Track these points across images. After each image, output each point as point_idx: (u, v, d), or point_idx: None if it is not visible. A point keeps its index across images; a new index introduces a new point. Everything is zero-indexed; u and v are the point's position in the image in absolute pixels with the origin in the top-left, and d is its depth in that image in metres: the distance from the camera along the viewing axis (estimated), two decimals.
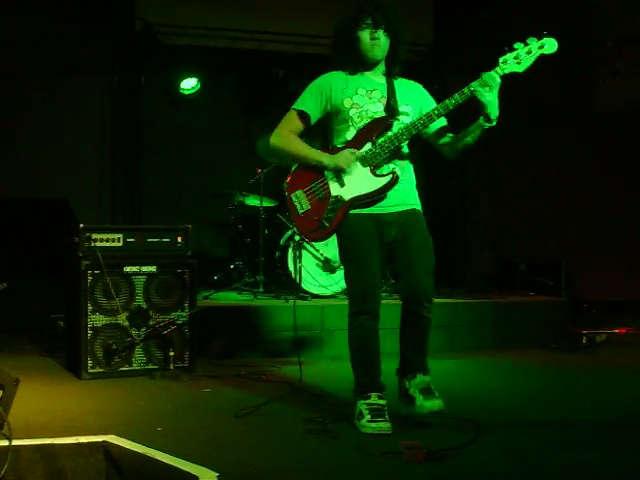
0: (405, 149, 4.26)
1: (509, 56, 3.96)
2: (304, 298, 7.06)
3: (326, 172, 4.20)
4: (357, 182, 4.14)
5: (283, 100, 9.49)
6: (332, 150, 4.24)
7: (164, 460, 3.35)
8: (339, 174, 4.16)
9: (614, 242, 10.40)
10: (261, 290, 7.40)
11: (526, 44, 3.95)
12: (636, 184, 10.51)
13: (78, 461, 3.54)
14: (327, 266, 7.22)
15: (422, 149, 4.55)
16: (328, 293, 7.15)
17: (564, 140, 10.16)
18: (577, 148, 10.36)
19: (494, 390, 5.29)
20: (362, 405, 4.10)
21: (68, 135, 8.97)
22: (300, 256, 7.16)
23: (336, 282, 7.16)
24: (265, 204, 7.78)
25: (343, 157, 4.14)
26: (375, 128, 4.16)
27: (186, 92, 9.32)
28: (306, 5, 9.26)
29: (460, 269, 10.04)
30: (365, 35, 4.18)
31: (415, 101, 4.30)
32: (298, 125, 4.31)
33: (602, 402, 4.87)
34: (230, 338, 6.39)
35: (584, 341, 7.10)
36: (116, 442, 3.59)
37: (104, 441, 3.60)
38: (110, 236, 5.63)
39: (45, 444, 3.55)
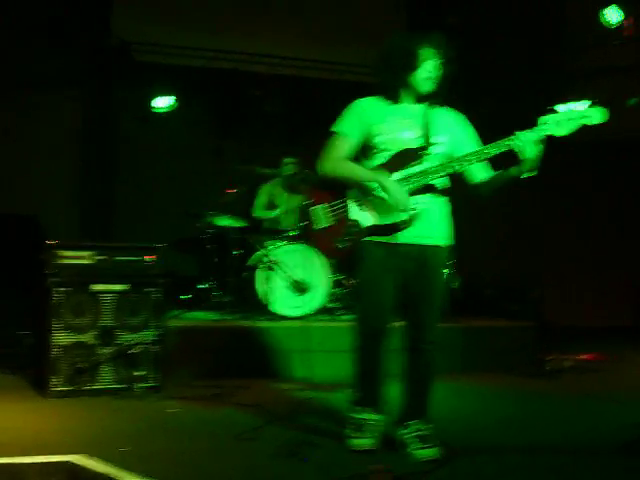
0: (438, 183, 4.13)
1: (550, 118, 3.87)
2: (273, 319, 7.06)
3: (349, 194, 4.12)
4: (378, 211, 4.08)
5: (257, 121, 9.63)
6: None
7: None
8: (361, 199, 4.10)
9: (581, 268, 10.51)
10: (230, 310, 7.38)
11: (568, 109, 3.86)
12: (603, 212, 10.65)
13: None
14: (296, 288, 7.22)
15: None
16: (296, 315, 7.14)
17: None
18: (545, 175, 10.45)
19: (461, 415, 5.31)
20: (352, 419, 4.22)
21: (40, 151, 8.94)
22: (269, 277, 7.17)
23: (305, 303, 7.17)
24: (235, 224, 7.78)
25: (400, 198, 3.97)
26: (404, 159, 4.07)
27: (159, 110, 9.32)
28: (281, 27, 9.32)
29: None
30: (426, 67, 4.06)
31: (453, 132, 4.19)
32: (345, 149, 4.16)
33: (566, 428, 4.89)
34: (198, 358, 6.36)
35: (550, 367, 7.15)
36: (81, 462, 3.58)
37: (68, 461, 3.58)
38: (79, 253, 5.60)
39: (9, 463, 3.52)
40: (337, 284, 7.65)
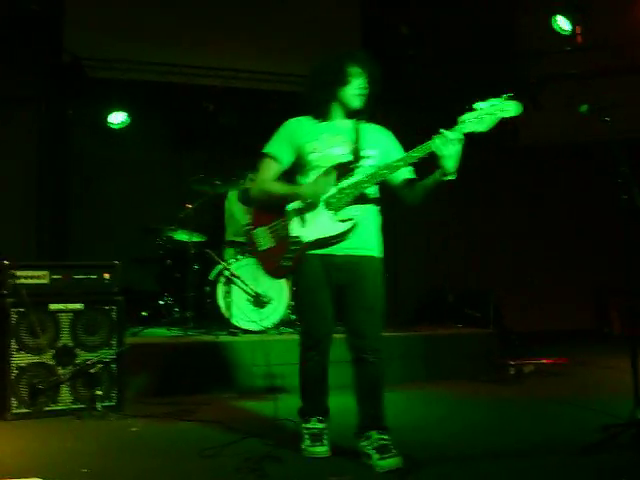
0: (370, 193, 4.25)
1: (469, 115, 3.93)
2: (234, 333, 7.02)
3: (288, 212, 4.23)
4: (318, 224, 4.18)
5: (212, 134, 9.60)
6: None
7: None
8: (301, 214, 4.19)
9: (541, 273, 10.61)
10: (191, 326, 7.32)
11: (486, 104, 3.93)
12: (559, 217, 10.76)
13: None
14: (257, 301, 7.19)
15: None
16: (258, 328, 7.11)
17: (490, 173, 10.36)
18: (503, 181, 10.58)
19: (424, 423, 5.32)
20: (303, 429, 4.35)
21: None
22: (230, 291, 7.13)
23: (266, 317, 7.14)
24: (194, 239, 7.73)
25: (320, 185, 4.15)
26: (337, 172, 4.17)
27: (114, 126, 9.26)
28: (234, 40, 9.30)
29: (391, 300, 10.09)
30: (355, 84, 4.22)
31: (381, 145, 4.33)
32: (274, 170, 4.32)
33: (530, 433, 4.92)
34: (158, 375, 6.30)
35: (512, 372, 7.20)
36: None
37: None
38: (35, 273, 5.52)
39: None
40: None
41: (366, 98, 4.26)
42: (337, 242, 4.18)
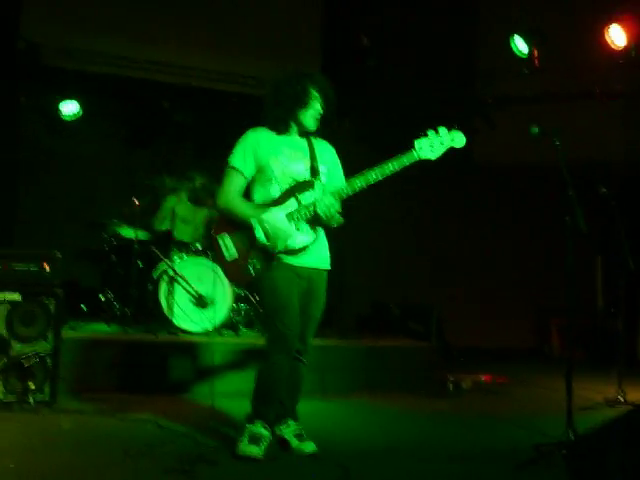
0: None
1: (424, 142, 4.21)
2: (174, 333, 6.96)
3: (253, 221, 4.34)
4: (281, 236, 4.32)
5: (165, 131, 9.51)
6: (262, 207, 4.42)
7: None
8: (265, 227, 4.33)
9: (486, 292, 10.69)
10: (131, 323, 7.22)
11: (437, 133, 4.22)
12: (507, 234, 10.87)
13: None
14: (199, 302, 7.13)
15: None
16: (198, 330, 7.05)
17: (441, 190, 10.44)
18: (454, 198, 10.66)
19: (361, 434, 5.30)
20: (247, 429, 4.38)
21: None
22: (172, 290, 7.06)
23: (207, 318, 7.08)
24: (140, 236, 7.63)
25: (279, 231, 4.31)
26: (299, 188, 4.38)
27: (66, 117, 9.12)
28: (193, 39, 9.24)
29: (335, 310, 10.10)
30: (312, 107, 4.45)
31: (330, 162, 4.60)
32: (239, 184, 4.47)
33: (465, 449, 4.93)
34: (95, 371, 6.20)
35: (451, 387, 7.23)
36: None
37: None
38: None
39: None
40: (241, 299, 7.60)
41: (322, 118, 4.51)
42: (300, 254, 4.39)
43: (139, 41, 9.14)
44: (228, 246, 4.41)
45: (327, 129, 4.58)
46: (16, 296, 5.46)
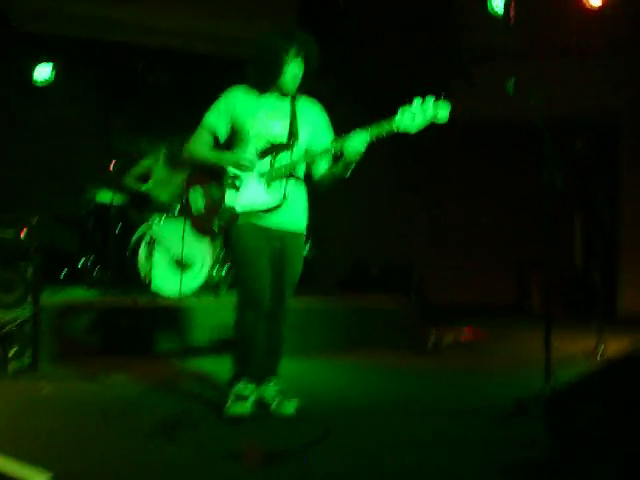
0: (299, 172, 4.47)
1: (407, 110, 4.05)
2: (154, 296, 6.94)
3: (225, 179, 4.37)
4: (251, 195, 4.34)
5: (141, 94, 9.42)
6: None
7: None
8: (235, 184, 4.34)
9: (466, 248, 10.73)
10: (110, 287, 7.20)
11: (423, 102, 4.05)
12: (488, 191, 10.89)
13: None
14: (179, 264, 7.11)
15: None
16: (178, 292, 7.03)
17: (417, 148, 10.40)
18: (433, 156, 10.64)
19: (342, 392, 5.34)
20: (231, 391, 4.40)
21: None
22: (151, 253, 7.03)
23: (187, 281, 7.06)
24: (117, 199, 7.58)
25: (246, 161, 4.32)
26: (273, 150, 4.36)
27: (40, 82, 9.00)
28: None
29: (315, 271, 10.11)
30: (291, 68, 4.37)
31: (313, 122, 4.51)
32: (208, 139, 4.47)
33: (445, 402, 4.99)
34: (75, 336, 6.20)
35: (431, 343, 7.28)
36: None
37: None
38: None
39: None
40: (221, 260, 7.58)
41: (303, 78, 4.43)
42: (270, 215, 4.37)
43: (114, 3, 8.99)
44: (197, 200, 4.45)
45: (306, 86, 4.50)
46: None
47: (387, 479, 3.47)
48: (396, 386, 5.65)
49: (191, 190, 4.50)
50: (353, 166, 4.30)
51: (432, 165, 10.67)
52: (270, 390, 4.52)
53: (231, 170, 4.36)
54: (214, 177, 4.39)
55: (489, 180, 10.91)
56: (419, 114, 4.04)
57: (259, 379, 4.51)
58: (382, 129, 4.10)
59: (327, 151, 4.32)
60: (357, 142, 4.12)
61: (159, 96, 9.34)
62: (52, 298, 6.61)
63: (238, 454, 3.52)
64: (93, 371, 5.55)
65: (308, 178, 4.57)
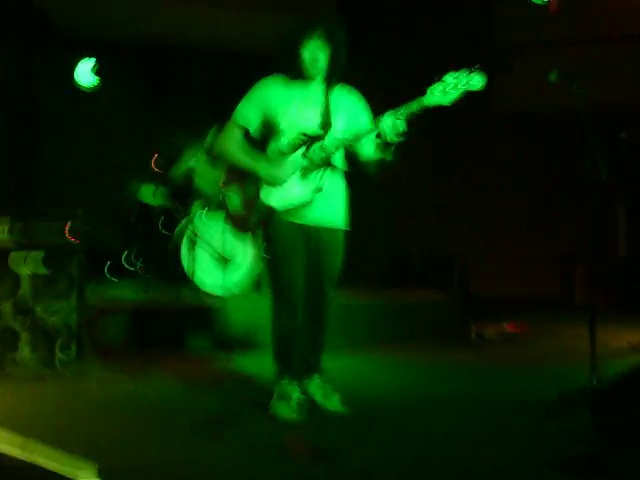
0: (337, 162, 4.36)
1: (437, 87, 3.96)
2: (196, 292, 6.97)
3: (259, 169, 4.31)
4: (286, 191, 4.26)
5: (183, 93, 9.48)
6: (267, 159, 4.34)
7: (43, 461, 3.25)
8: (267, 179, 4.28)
9: (507, 240, 10.65)
10: (153, 283, 7.26)
11: (455, 77, 3.95)
12: (530, 183, 10.79)
13: None
14: (221, 260, 7.13)
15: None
16: (221, 288, 7.04)
17: (461, 139, 10.35)
18: (472, 148, 10.57)
19: (385, 386, 5.33)
20: (274, 390, 4.37)
21: None
22: (194, 249, 7.07)
23: (230, 277, 7.08)
24: (159, 196, 7.64)
25: (277, 178, 4.25)
26: (307, 140, 4.25)
27: (83, 83, 9.10)
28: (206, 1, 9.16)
29: (357, 265, 10.09)
30: (309, 50, 4.27)
31: (348, 111, 4.40)
32: (239, 134, 4.40)
33: (489, 397, 4.95)
34: (119, 332, 6.25)
35: (474, 336, 7.24)
36: None
37: None
38: None
39: None
40: (262, 256, 7.60)
41: (330, 63, 4.32)
42: (307, 211, 4.29)
43: (153, 4, 9.06)
44: (233, 198, 4.40)
45: (339, 76, 4.41)
46: (39, 259, 5.49)
47: (431, 475, 3.45)
48: (439, 380, 5.62)
49: (227, 188, 4.45)
50: (390, 158, 4.22)
51: (474, 156, 10.61)
52: (314, 386, 4.49)
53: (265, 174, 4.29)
54: (248, 177, 4.35)
55: (531, 170, 10.80)
56: (451, 88, 3.94)
57: (303, 375, 4.48)
58: (413, 106, 4.00)
59: (361, 134, 4.20)
60: (392, 121, 4.02)
61: (199, 94, 9.40)
62: (96, 293, 6.68)
63: (284, 450, 3.52)
64: (136, 367, 5.60)
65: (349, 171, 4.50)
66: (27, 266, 5.45)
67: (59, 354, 5.42)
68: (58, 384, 5.07)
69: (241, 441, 3.79)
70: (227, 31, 9.36)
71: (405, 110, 4.01)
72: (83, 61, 8.99)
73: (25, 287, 5.44)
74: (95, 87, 9.07)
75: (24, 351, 5.39)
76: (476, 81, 3.94)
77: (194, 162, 8.09)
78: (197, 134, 8.06)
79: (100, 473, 3.02)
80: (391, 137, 4.05)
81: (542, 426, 4.17)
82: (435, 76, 4.00)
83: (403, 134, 4.06)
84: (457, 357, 6.55)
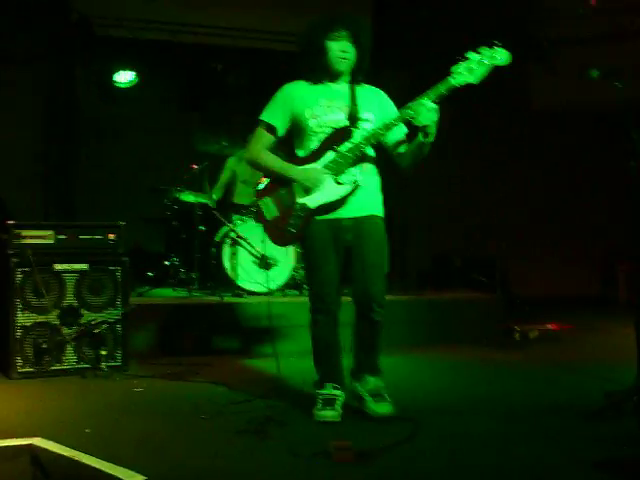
0: (369, 153, 4.31)
1: (462, 66, 3.97)
2: (239, 295, 7.03)
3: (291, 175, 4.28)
4: (321, 190, 4.22)
5: (220, 94, 9.54)
6: (298, 161, 4.31)
7: (91, 463, 3.30)
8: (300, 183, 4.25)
9: (548, 239, 10.57)
10: (196, 287, 7.33)
11: (478, 53, 3.97)
12: (571, 182, 10.70)
13: (4, 465, 3.46)
14: (262, 263, 7.18)
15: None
16: (263, 290, 7.11)
17: (502, 137, 10.29)
18: (514, 145, 10.50)
19: (428, 387, 5.32)
20: (317, 395, 4.32)
21: (1, 128, 8.74)
22: (236, 253, 7.13)
23: (271, 279, 7.13)
24: (200, 200, 7.71)
25: (312, 178, 4.20)
26: (337, 138, 4.22)
27: (122, 85, 9.20)
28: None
29: (397, 264, 10.09)
30: (334, 47, 4.24)
31: (377, 108, 4.35)
32: (268, 139, 4.37)
33: (534, 398, 4.93)
34: (163, 336, 6.33)
35: (517, 337, 7.20)
36: (43, 445, 3.51)
37: (30, 444, 3.52)
38: (41, 233, 5.53)
39: None
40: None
41: (355, 60, 4.29)
42: (341, 205, 4.24)
43: (190, 5, 9.12)
44: (269, 207, 4.34)
45: (364, 74, 4.37)
46: (84, 266, 5.58)
47: (473, 476, 3.45)
48: (481, 381, 5.60)
49: (261, 200, 4.38)
50: (430, 139, 4.10)
51: (513, 154, 10.54)
52: (365, 389, 4.36)
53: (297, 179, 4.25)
54: (282, 182, 4.31)
55: (574, 170, 10.71)
56: (476, 65, 3.95)
57: (352, 376, 4.43)
58: (440, 88, 3.99)
59: (391, 124, 4.15)
60: (421, 104, 3.99)
61: (237, 95, 9.45)
62: (140, 299, 6.77)
63: (328, 452, 3.54)
64: (181, 370, 5.65)
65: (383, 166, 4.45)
66: (73, 274, 5.53)
67: (104, 363, 5.49)
68: (105, 387, 5.13)
69: (286, 442, 3.80)
70: (263, 30, 9.36)
71: (433, 92, 4.00)
72: (121, 70, 9.07)
73: (71, 296, 5.52)
74: (133, 84, 9.15)
75: (71, 356, 5.48)
76: (501, 55, 3.95)
77: (234, 167, 8.18)
78: (236, 137, 8.13)
79: None
80: (424, 120, 4.00)
81: (588, 428, 4.13)
82: (457, 56, 3.98)
83: (434, 120, 4.02)
84: (500, 358, 6.51)
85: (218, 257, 7.27)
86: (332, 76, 4.32)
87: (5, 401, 4.70)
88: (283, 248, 7.15)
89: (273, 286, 7.11)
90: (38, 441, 3.55)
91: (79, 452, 3.41)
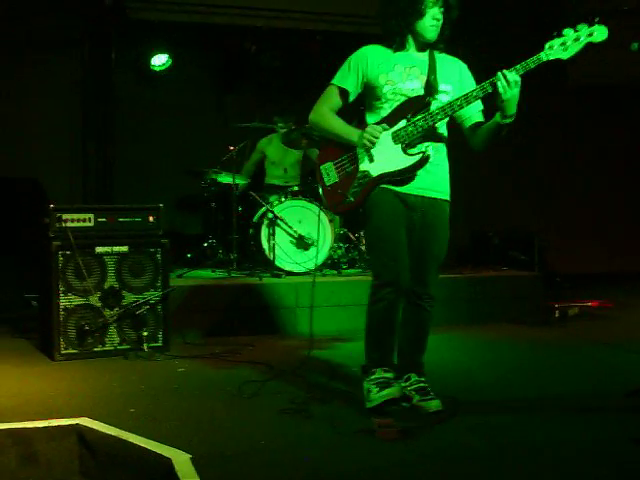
0: (441, 131, 4.13)
1: (556, 41, 3.80)
2: (278, 275, 7.05)
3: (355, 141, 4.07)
4: (387, 159, 3.99)
5: (255, 75, 9.53)
6: (365, 127, 4.06)
7: (137, 442, 3.35)
8: (369, 149, 4.02)
9: (586, 216, 10.47)
10: (235, 268, 7.36)
11: (575, 30, 3.80)
12: (610, 158, 10.57)
13: (51, 445, 3.54)
14: (301, 243, 7.20)
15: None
16: (302, 270, 7.13)
17: (538, 114, 10.17)
18: (551, 122, 10.38)
19: (468, 366, 5.32)
20: (368, 384, 4.09)
21: (38, 112, 8.80)
22: (274, 233, 7.15)
23: (310, 259, 7.15)
24: (238, 181, 7.73)
25: (367, 134, 3.97)
26: (411, 106, 3.99)
27: (157, 68, 9.22)
28: None
29: None
30: (430, 13, 3.97)
31: (456, 80, 4.13)
32: (337, 101, 4.18)
33: (575, 376, 4.91)
34: (203, 317, 6.37)
35: (557, 315, 7.16)
36: (89, 425, 3.58)
37: (77, 424, 3.59)
38: (81, 216, 5.58)
39: (17, 428, 3.53)
40: (342, 238, 7.66)
41: (443, 28, 4.06)
42: (407, 177, 4.01)
43: None
44: (330, 173, 4.14)
45: (445, 43, 4.12)
46: (124, 248, 5.63)
47: (516, 452, 3.45)
48: (521, 360, 5.59)
49: (322, 166, 4.18)
50: (509, 121, 3.89)
51: (555, 129, 10.42)
52: (412, 387, 4.15)
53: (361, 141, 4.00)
54: (345, 148, 4.11)
55: (611, 146, 10.57)
56: (572, 42, 3.77)
57: (399, 370, 4.19)
58: (530, 63, 3.79)
59: (471, 97, 3.87)
60: (507, 77, 3.77)
61: (272, 76, 9.43)
62: (180, 280, 6.82)
63: (372, 429, 3.55)
64: (222, 350, 5.69)
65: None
66: (113, 256, 5.59)
67: (146, 344, 5.55)
68: (147, 368, 5.19)
69: (328, 422, 3.82)
70: (298, 10, 9.30)
71: (521, 66, 3.80)
72: (156, 53, 9.09)
73: (112, 278, 5.58)
74: (167, 67, 9.17)
75: (113, 338, 5.55)
76: (600, 32, 3.77)
77: (265, 147, 8.21)
78: (270, 118, 8.14)
79: (193, 462, 3.10)
80: (505, 93, 3.77)
81: (628, 405, 4.10)
82: (554, 32, 3.86)
83: (515, 94, 3.82)
84: (540, 336, 6.49)
85: (256, 238, 7.29)
86: (417, 43, 4.09)
87: (49, 382, 4.77)
88: (322, 228, 7.17)
89: (312, 266, 7.11)
90: (84, 421, 3.62)
91: (124, 431, 3.47)
